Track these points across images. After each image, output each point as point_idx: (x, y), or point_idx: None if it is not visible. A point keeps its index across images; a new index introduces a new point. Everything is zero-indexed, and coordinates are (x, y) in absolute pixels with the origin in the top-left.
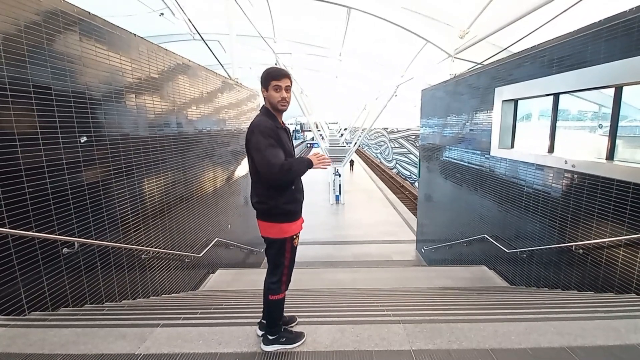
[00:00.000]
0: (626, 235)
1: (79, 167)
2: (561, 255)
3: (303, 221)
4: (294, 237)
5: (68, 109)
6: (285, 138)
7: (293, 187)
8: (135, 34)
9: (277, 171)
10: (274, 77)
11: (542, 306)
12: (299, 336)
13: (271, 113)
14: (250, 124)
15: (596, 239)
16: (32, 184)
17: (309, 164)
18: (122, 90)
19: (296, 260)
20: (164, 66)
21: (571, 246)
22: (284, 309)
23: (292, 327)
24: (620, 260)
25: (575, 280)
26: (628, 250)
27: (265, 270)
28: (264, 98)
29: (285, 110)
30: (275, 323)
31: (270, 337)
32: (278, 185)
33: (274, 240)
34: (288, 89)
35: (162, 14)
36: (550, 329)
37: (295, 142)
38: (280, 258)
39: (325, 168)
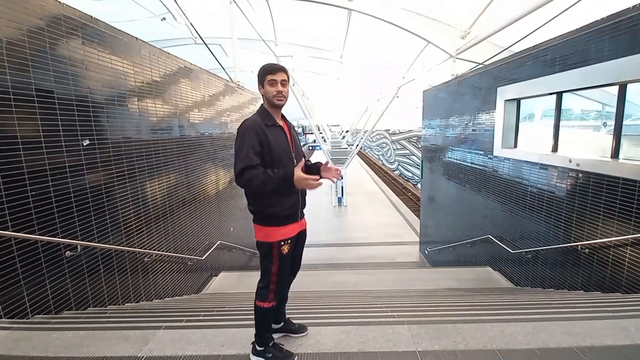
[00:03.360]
0: (633, 234)
1: (81, 170)
2: (567, 255)
3: (302, 227)
4: (282, 243)
5: (71, 112)
6: (280, 136)
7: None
8: (137, 38)
9: (237, 179)
10: (269, 72)
11: (549, 306)
12: (288, 357)
13: (266, 111)
14: None
15: (602, 239)
16: (35, 187)
17: (285, 179)
18: (125, 93)
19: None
20: (166, 70)
21: (577, 246)
22: (292, 315)
23: (293, 336)
24: (627, 259)
25: (581, 280)
26: (635, 250)
27: None
28: (262, 96)
29: (282, 104)
30: (262, 333)
31: (258, 348)
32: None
33: (261, 244)
34: (284, 83)
35: (164, 18)
36: (559, 329)
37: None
38: (267, 264)
39: (333, 180)
